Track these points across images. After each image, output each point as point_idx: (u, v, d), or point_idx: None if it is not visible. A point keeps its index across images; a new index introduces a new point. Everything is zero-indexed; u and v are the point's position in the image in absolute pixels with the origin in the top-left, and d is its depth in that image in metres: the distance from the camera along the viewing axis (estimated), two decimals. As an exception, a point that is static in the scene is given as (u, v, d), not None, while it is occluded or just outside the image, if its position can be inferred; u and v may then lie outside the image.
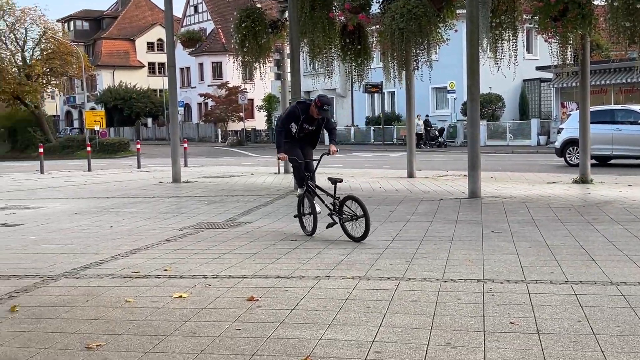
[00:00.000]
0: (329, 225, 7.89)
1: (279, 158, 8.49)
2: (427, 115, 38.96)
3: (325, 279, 5.72)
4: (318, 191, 8.10)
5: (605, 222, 8.56)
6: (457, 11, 14.24)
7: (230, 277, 5.92)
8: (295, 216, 8.61)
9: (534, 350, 3.86)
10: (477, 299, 4.96)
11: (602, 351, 3.82)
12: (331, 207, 7.85)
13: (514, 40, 12.76)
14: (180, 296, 5.29)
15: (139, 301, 5.20)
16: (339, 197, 7.76)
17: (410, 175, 16.68)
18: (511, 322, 4.36)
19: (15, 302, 5.25)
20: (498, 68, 12.97)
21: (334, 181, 7.80)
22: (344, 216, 7.67)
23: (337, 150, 8.33)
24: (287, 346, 4.04)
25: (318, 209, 8.09)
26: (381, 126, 41.90)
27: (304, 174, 8.27)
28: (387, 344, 4.02)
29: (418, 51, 13.49)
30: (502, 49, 12.85)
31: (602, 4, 11.02)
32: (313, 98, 8.60)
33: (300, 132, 8.46)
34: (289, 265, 6.34)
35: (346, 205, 7.66)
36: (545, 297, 4.95)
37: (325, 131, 8.72)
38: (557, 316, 4.48)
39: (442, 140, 37.70)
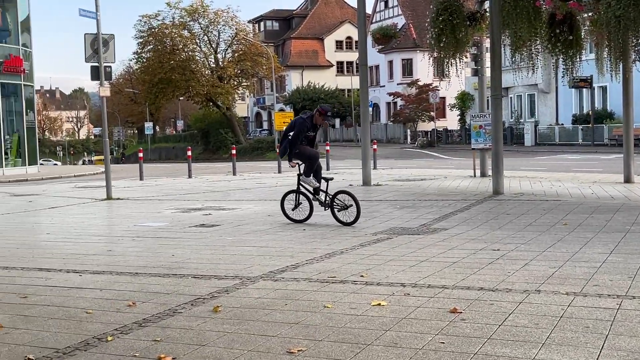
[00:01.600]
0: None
1: (291, 166, 10.80)
2: None
3: (535, 294, 5.53)
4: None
5: None
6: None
7: (430, 287, 5.92)
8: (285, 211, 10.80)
9: None
10: None
11: None
12: (322, 201, 10.59)
13: None
14: (379, 304, 5.37)
15: (337, 307, 5.35)
16: (330, 193, 10.46)
17: (628, 180, 15.70)
18: None
19: (217, 303, 5.62)
20: None
21: (326, 179, 10.72)
22: (335, 207, 10.27)
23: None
24: (497, 364, 3.96)
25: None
26: (590, 125, 39.71)
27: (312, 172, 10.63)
28: (612, 369, 3.81)
29: (639, 40, 12.66)
30: None
31: None
32: (314, 109, 11.05)
33: (304, 139, 10.57)
34: (493, 277, 6.21)
35: (337, 199, 10.29)
36: None
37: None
38: None
39: None
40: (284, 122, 45.05)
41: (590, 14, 13.69)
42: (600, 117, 40.00)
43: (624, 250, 7.36)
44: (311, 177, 10.56)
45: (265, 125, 78.82)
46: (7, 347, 4.59)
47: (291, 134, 10.43)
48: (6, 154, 33.14)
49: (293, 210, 10.73)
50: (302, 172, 10.61)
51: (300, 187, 10.68)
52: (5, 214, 13.89)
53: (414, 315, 5.05)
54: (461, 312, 5.05)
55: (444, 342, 4.39)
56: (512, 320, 4.80)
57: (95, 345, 4.60)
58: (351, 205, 10.06)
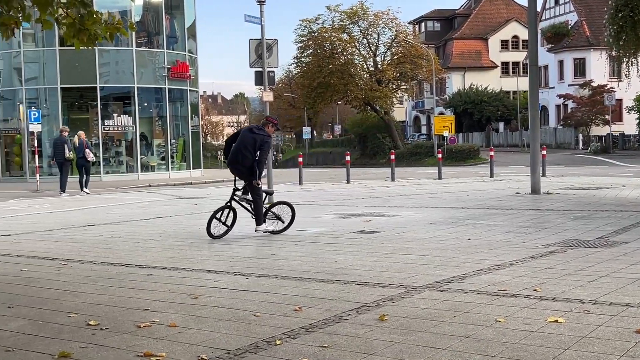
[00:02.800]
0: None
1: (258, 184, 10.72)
2: None
3: None
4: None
5: None
6: None
7: (612, 304, 5.64)
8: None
9: None
10: None
11: None
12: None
13: None
14: (556, 320, 5.20)
15: (510, 322, 5.23)
16: (268, 204, 11.25)
17: None
18: None
19: (383, 311, 5.67)
20: None
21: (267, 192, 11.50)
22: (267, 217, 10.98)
23: None
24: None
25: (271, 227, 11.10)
26: None
27: None
28: None
29: None
30: None
31: None
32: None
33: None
34: (685, 297, 5.82)
35: (271, 211, 11.08)
36: None
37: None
38: None
39: None
40: (443, 127, 44.73)
41: None
42: None
43: None
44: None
45: (424, 130, 78.48)
46: (181, 346, 4.88)
47: (259, 154, 10.61)
48: (172, 157, 35.09)
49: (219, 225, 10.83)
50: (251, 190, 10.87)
51: (233, 202, 10.87)
52: (172, 216, 14.75)
53: (595, 334, 4.84)
54: (648, 334, 4.79)
55: (631, 365, 4.18)
56: None
57: (264, 348, 4.78)
58: (284, 221, 11.15)
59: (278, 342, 4.89)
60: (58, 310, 6.11)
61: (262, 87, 17.27)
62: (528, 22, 17.17)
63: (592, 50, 55.43)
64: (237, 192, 10.88)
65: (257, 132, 10.74)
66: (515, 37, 74.54)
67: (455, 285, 6.64)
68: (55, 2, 7.35)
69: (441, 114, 62.08)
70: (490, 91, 69.48)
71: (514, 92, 68.01)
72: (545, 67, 62.37)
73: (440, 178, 26.35)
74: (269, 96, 17.26)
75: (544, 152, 25.61)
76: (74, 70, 32.21)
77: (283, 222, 11.05)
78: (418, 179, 27.49)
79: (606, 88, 49.29)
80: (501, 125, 67.65)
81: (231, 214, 10.82)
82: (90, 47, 8.11)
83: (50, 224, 13.50)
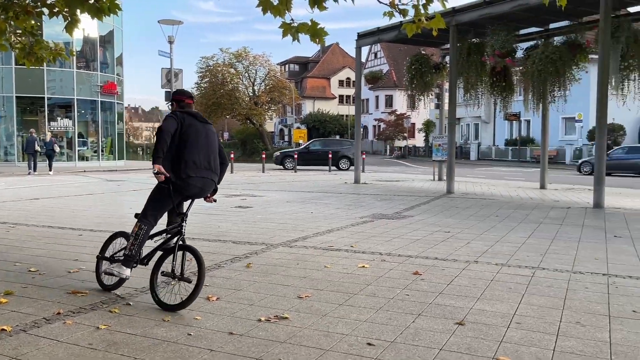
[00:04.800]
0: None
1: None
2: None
3: (474, 264, 5.56)
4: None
5: None
6: (590, 56, 13.12)
7: (399, 256, 5.94)
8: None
9: (655, 336, 3.49)
10: (603, 289, 4.57)
11: None
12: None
13: (640, 79, 11.51)
14: (364, 266, 5.41)
15: (334, 267, 5.38)
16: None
17: (542, 187, 15.63)
18: (634, 311, 3.97)
19: (249, 261, 5.66)
20: (624, 103, 11.76)
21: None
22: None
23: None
24: (445, 311, 3.99)
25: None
26: (518, 147, 39.56)
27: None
28: (526, 317, 3.84)
29: (554, 88, 12.65)
30: (628, 87, 11.64)
31: None
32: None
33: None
34: (444, 251, 6.24)
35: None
36: (665, 294, 4.44)
37: None
38: (677, 311, 4.00)
39: None
40: (299, 136, 44.97)
41: (520, 67, 13.64)
42: (524, 141, 39.84)
43: (538, 235, 7.37)
44: None
45: (286, 138, 78.81)
46: (97, 285, 4.62)
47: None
48: (102, 151, 33.43)
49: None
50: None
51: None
52: (101, 193, 13.93)
53: (387, 275, 5.08)
54: (421, 274, 5.08)
55: (408, 294, 4.42)
56: (457, 281, 4.83)
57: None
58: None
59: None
60: (5, 261, 5.62)
61: (170, 103, 16.62)
62: (355, 69, 17.60)
63: (397, 89, 57.79)
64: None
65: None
66: (348, 78, 76.18)
67: (300, 243, 6.73)
68: (8, 31, 6.78)
69: (298, 128, 62.51)
70: (331, 114, 70.74)
71: (346, 116, 69.67)
72: (367, 99, 64.39)
73: (295, 171, 26.54)
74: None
75: (364, 156, 26.46)
76: (27, 83, 29.99)
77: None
78: (281, 172, 27.52)
79: (405, 115, 51.54)
80: (337, 137, 69.03)
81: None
82: (38, 67, 7.51)
83: (3, 198, 12.36)
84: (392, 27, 14.75)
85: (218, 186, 4.35)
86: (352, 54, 79.99)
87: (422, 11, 4.48)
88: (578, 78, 13.11)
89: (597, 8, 11.30)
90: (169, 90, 16.18)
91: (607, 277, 5.00)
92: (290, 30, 4.47)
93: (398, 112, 54.60)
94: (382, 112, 60.43)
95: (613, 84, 11.55)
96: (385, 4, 4.52)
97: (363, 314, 3.89)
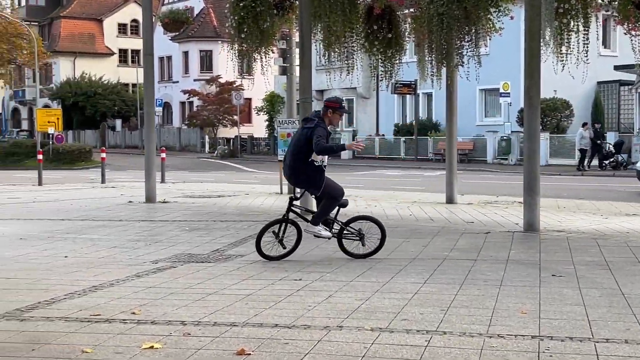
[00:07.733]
0: None
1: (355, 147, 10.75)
2: (597, 124, 34.33)
3: (337, 330, 5.74)
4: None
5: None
6: (516, -6, 14.27)
7: (216, 325, 5.96)
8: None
9: None
10: (531, 360, 4.97)
11: None
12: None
13: (585, 32, 12.72)
14: (152, 347, 5.33)
15: (99, 352, 5.25)
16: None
17: (450, 200, 16.69)
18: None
19: (-58, 349, 5.31)
20: (563, 66, 12.92)
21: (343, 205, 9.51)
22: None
23: None
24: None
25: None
26: (414, 137, 41.85)
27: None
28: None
29: (463, 42, 13.55)
30: (569, 42, 12.81)
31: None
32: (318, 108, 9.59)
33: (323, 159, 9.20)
34: (291, 312, 6.37)
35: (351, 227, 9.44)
36: (618, 361, 4.95)
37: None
38: (632, 385, 4.48)
39: (622, 159, 32.06)
40: (49, 122, 43.43)
41: (411, 9, 14.44)
42: (424, 128, 42.09)
43: (438, 279, 7.82)
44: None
45: (25, 125, 75.56)
46: None
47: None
48: None
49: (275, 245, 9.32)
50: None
51: (291, 214, 9.37)
52: None
53: (192, 359, 5.06)
54: (250, 354, 5.14)
55: (226, 391, 4.44)
56: (307, 363, 4.95)
57: None
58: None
59: None
60: None
61: None
62: (142, 5, 17.38)
63: (219, 42, 57.76)
64: (294, 202, 9.55)
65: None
66: (135, 20, 74.94)
67: (40, 312, 6.48)
68: None
69: (46, 106, 60.24)
70: (106, 82, 69.16)
71: (134, 85, 68.47)
72: (169, 57, 63.92)
73: (40, 184, 25.61)
74: None
75: (164, 154, 26.28)
76: None
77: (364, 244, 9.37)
78: (13, 185, 26.34)
79: (235, 86, 51.90)
80: (119, 122, 67.69)
81: (293, 230, 9.42)
82: None
83: None
84: None
85: None
86: (142, -21, 78.50)
87: None
88: (499, 27, 14.20)
89: None
90: None
91: (538, 340, 5.45)
92: None
93: (223, 80, 54.94)
94: (195, 80, 60.53)
95: (547, 37, 12.68)
96: None
97: None
